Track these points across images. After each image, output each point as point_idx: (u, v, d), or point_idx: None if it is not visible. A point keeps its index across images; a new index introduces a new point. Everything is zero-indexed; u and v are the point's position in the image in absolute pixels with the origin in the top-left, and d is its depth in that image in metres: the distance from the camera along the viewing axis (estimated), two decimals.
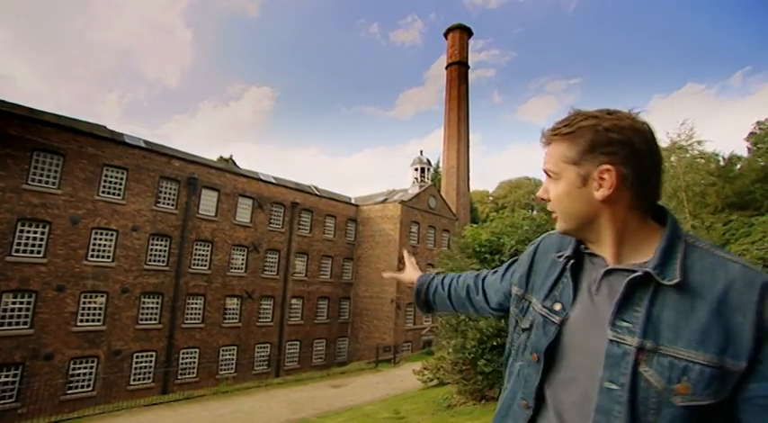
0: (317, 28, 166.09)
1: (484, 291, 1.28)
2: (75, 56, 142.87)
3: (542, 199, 0.94)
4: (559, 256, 0.98)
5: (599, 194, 0.83)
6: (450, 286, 1.41)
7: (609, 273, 0.85)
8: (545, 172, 0.92)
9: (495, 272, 1.28)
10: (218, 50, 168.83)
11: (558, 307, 0.91)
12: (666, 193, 26.42)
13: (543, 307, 0.94)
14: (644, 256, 0.82)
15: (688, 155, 27.14)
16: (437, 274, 1.50)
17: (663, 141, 28.21)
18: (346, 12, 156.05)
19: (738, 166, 32.69)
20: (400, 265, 26.30)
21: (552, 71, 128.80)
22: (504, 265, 1.23)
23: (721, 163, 30.61)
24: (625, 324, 0.78)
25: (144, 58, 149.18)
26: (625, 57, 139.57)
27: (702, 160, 27.69)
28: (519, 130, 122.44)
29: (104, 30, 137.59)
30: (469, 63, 41.66)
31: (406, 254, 1.69)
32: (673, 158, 27.58)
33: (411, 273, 1.56)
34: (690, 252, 0.80)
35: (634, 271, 0.80)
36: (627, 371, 0.75)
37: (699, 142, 27.02)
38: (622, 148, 0.81)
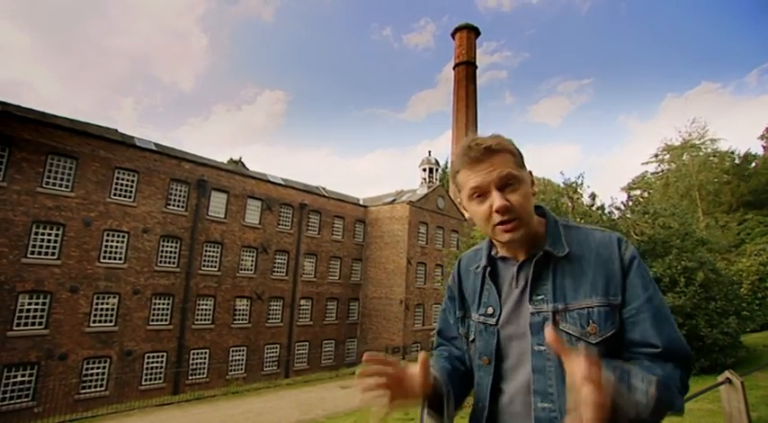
0: (331, 32, 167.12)
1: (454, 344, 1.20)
2: (92, 62, 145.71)
3: (506, 210, 0.93)
4: (476, 268, 1.11)
5: (534, 191, 1.02)
6: (460, 378, 1.10)
7: (521, 266, 1.01)
8: (501, 180, 0.94)
9: (444, 319, 1.23)
10: (233, 55, 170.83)
11: (490, 310, 1.04)
12: (679, 192, 26.02)
13: (480, 315, 1.06)
14: (540, 245, 1.00)
15: (701, 153, 26.70)
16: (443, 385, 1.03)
17: (675, 140, 27.81)
18: (360, 16, 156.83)
19: (753, 165, 32.04)
20: (409, 266, 26.29)
21: (564, 72, 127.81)
22: (444, 302, 1.26)
23: (736, 161, 30.01)
24: (540, 297, 0.96)
25: (160, 63, 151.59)
26: (638, 57, 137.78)
27: (716, 159, 27.22)
28: (530, 130, 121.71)
29: (121, 36, 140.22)
30: (481, 65, 41.57)
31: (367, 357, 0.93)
32: (685, 157, 27.15)
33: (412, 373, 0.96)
34: (566, 231, 1.01)
35: (537, 254, 0.98)
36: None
37: (712, 140, 26.59)
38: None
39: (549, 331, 0.75)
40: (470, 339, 1.09)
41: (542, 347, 0.92)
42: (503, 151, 0.97)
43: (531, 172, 1.03)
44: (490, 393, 0.99)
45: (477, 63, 41.78)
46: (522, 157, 1.02)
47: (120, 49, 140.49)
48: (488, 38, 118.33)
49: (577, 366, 0.69)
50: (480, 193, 0.96)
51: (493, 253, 1.08)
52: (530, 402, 0.92)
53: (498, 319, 1.02)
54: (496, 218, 0.94)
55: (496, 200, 0.94)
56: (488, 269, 1.07)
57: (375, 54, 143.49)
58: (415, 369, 0.90)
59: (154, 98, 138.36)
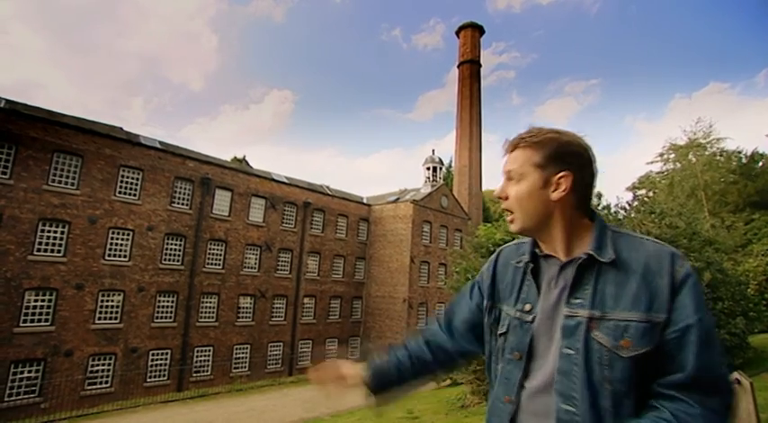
0: (341, 32, 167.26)
1: (453, 335, 1.25)
2: (103, 64, 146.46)
3: (500, 197, 1.07)
4: (518, 263, 1.13)
5: (555, 195, 0.99)
6: (411, 364, 1.24)
7: (563, 267, 1.01)
8: (506, 173, 1.05)
9: (458, 298, 1.31)
10: (243, 55, 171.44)
11: (527, 307, 1.05)
12: (684, 192, 25.82)
13: (516, 310, 1.07)
14: (585, 248, 0.99)
15: (707, 153, 26.49)
16: (379, 365, 1.27)
17: (680, 140, 27.60)
18: (370, 16, 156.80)
19: (760, 164, 31.76)
20: (412, 265, 26.27)
21: (572, 72, 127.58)
22: (468, 287, 1.30)
23: (743, 161, 29.76)
24: (578, 301, 0.95)
25: (170, 64, 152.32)
26: (646, 57, 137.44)
27: (722, 158, 26.99)
28: None
29: (133, 38, 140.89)
30: (490, 65, 41.58)
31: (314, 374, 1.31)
32: (690, 156, 26.94)
33: (347, 367, 1.27)
34: (616, 237, 1.00)
35: (581, 258, 0.97)
36: (581, 337, 0.92)
37: (718, 140, 26.37)
38: (576, 159, 1.00)
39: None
40: (500, 332, 1.10)
41: (571, 351, 0.93)
42: (525, 147, 1.03)
43: (565, 175, 0.98)
44: (518, 388, 1.02)
45: (485, 63, 41.65)
46: (557, 156, 0.99)
47: (131, 50, 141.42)
48: (497, 38, 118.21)
49: None
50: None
51: (536, 250, 1.09)
52: (550, 402, 0.94)
53: (535, 317, 1.03)
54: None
55: (497, 189, 1.07)
56: (531, 266, 1.08)
57: (384, 54, 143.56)
58: (352, 369, 1.25)
59: (163, 98, 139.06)
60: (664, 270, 0.91)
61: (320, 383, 1.27)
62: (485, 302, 1.18)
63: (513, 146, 1.05)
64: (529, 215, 1.02)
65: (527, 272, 1.09)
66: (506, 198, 1.05)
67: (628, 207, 12.18)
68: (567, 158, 0.99)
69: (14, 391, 14.05)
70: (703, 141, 26.46)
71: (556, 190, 0.99)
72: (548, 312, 1.01)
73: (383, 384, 1.25)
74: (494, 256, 1.24)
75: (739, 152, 29.33)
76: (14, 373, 14.11)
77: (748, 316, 10.01)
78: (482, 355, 1.22)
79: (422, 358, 1.25)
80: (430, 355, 1.25)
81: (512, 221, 1.05)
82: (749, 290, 11.57)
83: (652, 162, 29.30)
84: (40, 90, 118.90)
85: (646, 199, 14.96)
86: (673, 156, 28.06)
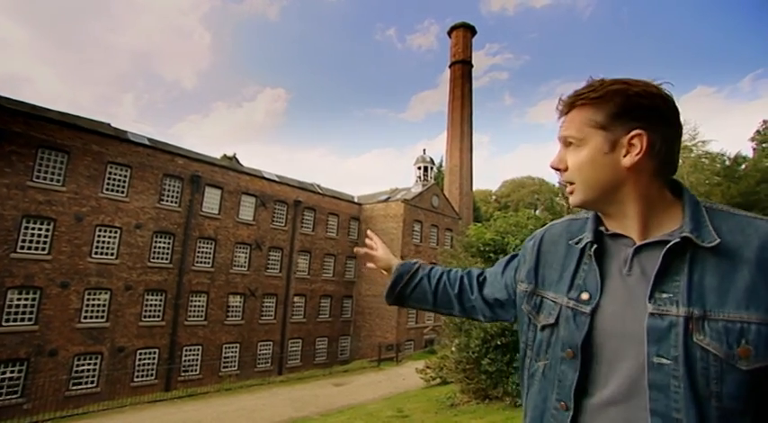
0: (336, 31, 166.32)
1: (481, 290, 1.16)
2: (94, 58, 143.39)
3: (557, 168, 0.90)
4: (576, 242, 0.92)
5: (627, 161, 0.80)
6: (439, 280, 1.24)
7: (639, 250, 0.82)
8: (563, 139, 0.88)
9: (493, 269, 1.19)
10: (236, 52, 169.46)
11: (585, 296, 0.86)
12: None
13: (569, 299, 0.88)
14: (669, 228, 0.81)
15: (692, 155, 27.01)
16: (418, 263, 1.32)
17: None
18: (365, 16, 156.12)
19: (744, 167, 32.49)
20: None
21: (563, 74, 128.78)
22: (504, 260, 1.16)
23: (727, 163, 30.42)
24: (666, 295, 0.76)
25: (162, 61, 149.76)
26: (636, 60, 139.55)
27: (707, 160, 27.54)
28: (528, 131, 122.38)
29: (124, 33, 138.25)
30: (483, 66, 41.82)
31: (370, 233, 1.49)
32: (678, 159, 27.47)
33: (387, 255, 1.39)
34: (713, 216, 0.80)
35: (667, 242, 0.77)
36: (678, 343, 0.72)
37: (703, 142, 26.88)
38: (652, 113, 0.80)
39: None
40: (546, 323, 0.92)
41: (665, 361, 0.73)
42: (584, 105, 0.84)
43: (636, 134, 0.79)
44: (575, 394, 0.83)
45: (478, 64, 41.97)
46: (626, 111, 0.80)
47: (122, 46, 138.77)
48: (491, 40, 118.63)
49: None
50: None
51: (601, 228, 0.90)
52: (631, 419, 0.75)
53: (595, 308, 0.83)
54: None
55: (553, 159, 0.90)
56: (595, 246, 0.88)
57: (378, 54, 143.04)
58: (382, 253, 1.41)
59: (154, 95, 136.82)
60: None
61: (361, 250, 1.42)
62: (524, 285, 1.00)
63: (569, 105, 0.87)
64: (592, 186, 0.85)
65: (587, 254, 0.89)
66: (566, 168, 0.88)
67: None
68: (640, 113, 0.80)
69: None
70: (689, 144, 26.95)
71: (627, 154, 0.80)
72: (618, 306, 0.81)
73: (403, 285, 1.27)
74: (540, 231, 1.05)
75: (723, 155, 29.97)
76: None
77: None
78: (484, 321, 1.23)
79: (447, 289, 1.23)
80: (457, 288, 1.21)
81: (571, 192, 0.88)
82: None
83: None
84: (27, 84, 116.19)
85: None
86: None
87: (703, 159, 27.33)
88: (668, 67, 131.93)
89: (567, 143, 0.87)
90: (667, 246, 0.77)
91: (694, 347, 0.71)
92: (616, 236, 0.87)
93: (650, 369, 0.73)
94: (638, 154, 0.79)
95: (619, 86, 0.81)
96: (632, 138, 0.79)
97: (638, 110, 0.80)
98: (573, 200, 0.88)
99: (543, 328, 0.92)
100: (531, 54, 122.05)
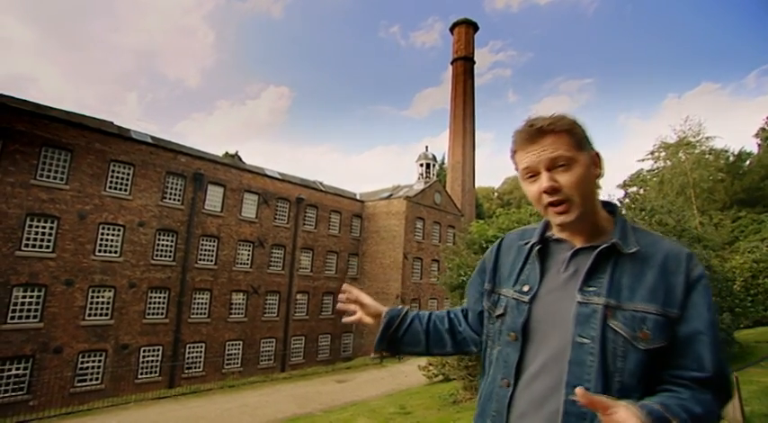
0: (340, 29, 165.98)
1: (467, 320, 1.27)
2: (98, 58, 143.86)
3: (551, 190, 0.96)
4: (525, 244, 1.11)
5: (598, 172, 1.00)
6: (429, 319, 1.27)
7: (576, 253, 1.00)
8: (549, 162, 0.96)
9: (469, 288, 1.31)
10: (239, 51, 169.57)
11: (526, 288, 1.04)
12: (674, 190, 26.17)
13: (514, 291, 1.06)
14: (603, 237, 1.00)
15: (696, 151, 26.85)
16: (406, 308, 1.32)
17: (670, 138, 27.94)
18: (369, 14, 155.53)
19: (748, 163, 32.32)
20: (405, 261, 26.35)
21: (567, 71, 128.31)
22: (471, 279, 1.29)
23: (731, 159, 30.24)
24: (592, 288, 0.94)
25: (165, 59, 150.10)
26: (641, 57, 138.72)
27: (711, 156, 27.37)
28: None
29: (128, 33, 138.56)
30: (487, 63, 41.74)
31: (346, 286, 1.34)
32: (680, 155, 27.29)
33: (373, 301, 1.29)
34: (635, 232, 1.00)
35: (598, 246, 0.97)
36: (596, 325, 0.90)
37: (707, 138, 26.72)
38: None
39: (580, 391, 0.73)
40: (497, 313, 1.08)
41: (585, 340, 0.91)
42: (556, 132, 0.96)
43: (597, 153, 1.01)
44: (515, 371, 0.99)
45: (481, 61, 42.02)
46: (585, 137, 0.99)
47: (126, 45, 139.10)
48: (495, 37, 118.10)
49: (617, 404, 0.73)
50: (532, 174, 0.99)
51: (548, 234, 1.08)
52: (555, 391, 0.91)
53: (533, 298, 1.01)
54: (546, 198, 0.97)
55: (544, 181, 0.96)
56: (538, 247, 1.07)
57: (382, 51, 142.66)
58: (368, 301, 1.27)
59: (158, 93, 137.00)
60: (681, 268, 0.93)
61: (345, 303, 1.28)
62: (485, 285, 1.17)
63: (544, 132, 0.96)
64: (588, 200, 0.98)
65: (532, 253, 1.08)
66: (553, 189, 0.96)
67: (620, 204, 12.33)
68: (588, 139, 1.00)
69: (2, 388, 13.86)
70: (693, 140, 26.79)
71: (597, 167, 1.00)
72: (552, 297, 0.99)
73: (394, 329, 1.24)
74: (497, 241, 1.24)
75: (726, 151, 29.80)
76: (2, 371, 13.92)
77: (734, 312, 10.21)
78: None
79: (438, 326, 1.26)
80: (447, 323, 1.27)
81: (565, 211, 0.96)
82: (735, 286, 11.77)
83: (643, 160, 29.61)
84: (31, 84, 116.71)
85: (637, 196, 15.15)
86: (663, 154, 28.40)
87: (707, 156, 27.16)
88: (672, 64, 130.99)
89: (553, 165, 0.96)
90: (598, 249, 0.96)
91: (608, 330, 0.90)
92: (559, 241, 1.05)
93: (573, 347, 0.91)
94: (601, 167, 1.01)
95: (571, 118, 0.99)
96: (595, 155, 1.00)
97: (587, 137, 1.00)
98: (569, 217, 0.97)
99: (497, 318, 1.09)
100: (535, 51, 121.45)
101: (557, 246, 1.05)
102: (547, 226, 1.09)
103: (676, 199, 20.61)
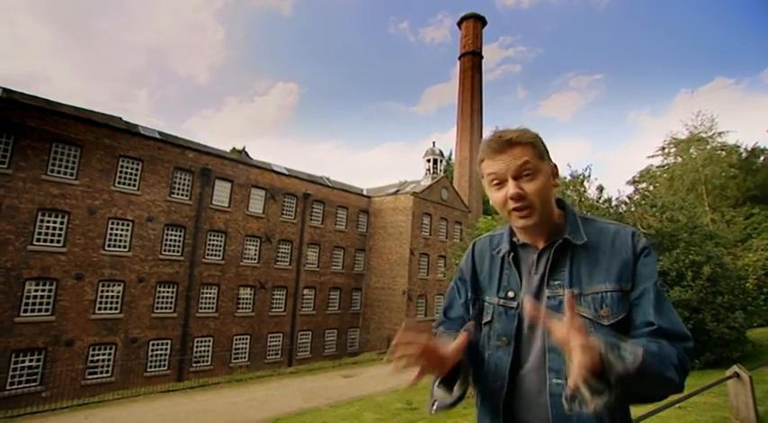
0: (349, 25, 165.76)
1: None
2: (109, 55, 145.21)
3: (518, 197, 1.03)
4: (497, 252, 1.18)
5: (556, 182, 1.10)
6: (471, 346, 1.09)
7: (541, 254, 1.09)
8: (517, 170, 1.03)
9: (451, 303, 1.27)
10: (249, 48, 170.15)
11: (511, 294, 1.11)
12: (685, 186, 25.77)
13: (499, 298, 1.13)
14: (559, 235, 1.08)
15: (708, 147, 26.38)
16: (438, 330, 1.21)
17: (681, 134, 27.48)
18: (378, 10, 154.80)
19: (761, 159, 31.70)
20: (412, 257, 26.31)
21: (577, 67, 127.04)
22: (453, 285, 1.29)
23: (743, 155, 29.68)
24: (556, 282, 1.04)
25: (175, 56, 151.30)
26: (652, 52, 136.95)
27: (723, 152, 26.88)
28: (540, 124, 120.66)
29: (139, 30, 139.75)
30: (496, 59, 41.36)
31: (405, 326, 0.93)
32: (692, 150, 26.84)
33: (444, 344, 0.98)
34: (584, 223, 1.10)
35: (557, 242, 1.06)
36: (563, 314, 0.94)
37: (720, 134, 26.23)
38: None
39: (527, 301, 0.84)
40: (485, 321, 1.14)
41: None
42: (523, 144, 1.05)
43: (555, 165, 1.11)
44: (509, 373, 1.04)
45: (491, 57, 41.89)
46: (546, 150, 1.09)
47: (137, 42, 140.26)
48: (505, 33, 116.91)
49: (560, 324, 0.82)
50: (498, 181, 1.06)
51: (514, 240, 1.15)
52: (543, 379, 0.99)
53: (520, 303, 1.08)
54: (511, 204, 1.04)
55: (511, 188, 1.03)
56: (512, 254, 1.14)
57: (390, 47, 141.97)
58: (449, 345, 0.97)
59: (168, 90, 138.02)
60: (628, 245, 1.04)
61: (405, 363, 0.88)
62: (469, 295, 1.21)
63: (512, 143, 1.05)
64: (546, 206, 1.06)
65: (507, 261, 1.15)
66: (519, 196, 1.03)
67: (628, 201, 12.16)
68: (548, 151, 1.10)
69: (16, 379, 14.14)
70: (704, 135, 26.32)
71: (555, 177, 1.10)
72: (532, 297, 1.07)
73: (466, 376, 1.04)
74: (469, 250, 1.30)
75: (739, 146, 29.21)
76: (16, 363, 14.19)
77: (747, 310, 10.05)
78: None
79: (471, 347, 1.10)
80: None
81: (527, 216, 1.04)
82: (748, 284, 11.60)
83: (653, 156, 29.17)
84: (44, 81, 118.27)
85: (647, 193, 14.94)
86: (674, 150, 27.94)
87: (719, 151, 26.68)
88: (685, 59, 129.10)
89: (519, 174, 1.04)
90: (554, 246, 1.06)
91: (576, 316, 0.89)
92: (525, 245, 1.13)
93: (548, 337, 0.97)
94: (558, 177, 1.12)
95: (532, 132, 1.08)
96: (554, 167, 1.11)
97: (547, 150, 1.10)
98: (530, 221, 1.05)
99: (485, 325, 1.14)
100: (545, 47, 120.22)
101: (524, 250, 1.13)
102: (511, 232, 1.17)
103: (687, 195, 20.29)
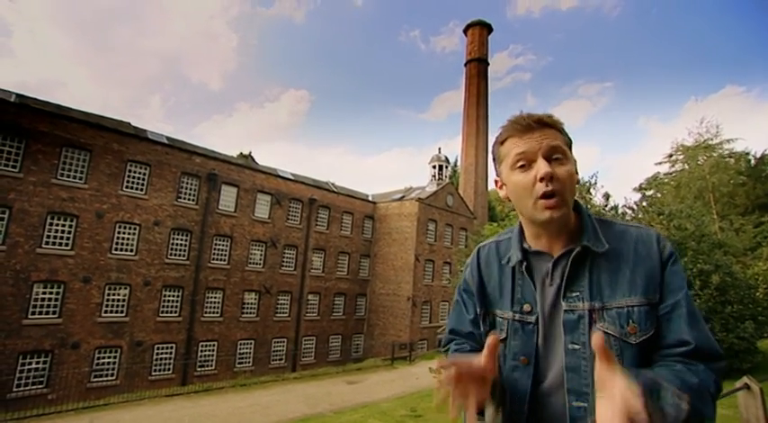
0: (361, 33, 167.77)
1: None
2: (124, 62, 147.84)
3: (549, 177, 0.89)
4: (506, 262, 1.04)
5: (577, 179, 0.97)
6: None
7: (556, 262, 0.96)
8: (550, 149, 0.92)
9: (458, 318, 1.15)
10: (262, 55, 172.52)
11: (527, 308, 0.99)
12: (692, 193, 25.56)
13: (514, 313, 1.01)
14: (576, 240, 0.96)
15: (715, 154, 26.17)
16: (452, 350, 1.12)
17: (687, 141, 27.31)
18: (390, 18, 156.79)
19: None
20: (417, 263, 26.25)
21: (587, 74, 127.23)
22: (458, 299, 1.16)
23: (752, 163, 29.40)
24: (574, 294, 0.93)
25: (189, 63, 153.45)
26: (663, 60, 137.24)
27: (732, 160, 26.65)
28: None
29: (155, 37, 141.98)
30: (506, 67, 41.61)
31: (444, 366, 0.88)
32: (699, 158, 26.63)
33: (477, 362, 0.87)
34: (602, 226, 0.98)
35: (575, 249, 0.94)
36: (585, 331, 0.90)
37: (728, 141, 26.03)
38: None
39: (596, 337, 0.67)
40: (502, 338, 1.00)
41: (576, 346, 0.90)
42: (554, 127, 0.95)
43: (576, 161, 0.99)
44: (530, 395, 0.94)
45: (501, 65, 41.83)
46: (571, 142, 0.98)
47: (151, 49, 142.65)
48: (515, 41, 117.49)
49: (611, 375, 0.66)
50: (525, 161, 0.92)
51: (525, 246, 1.01)
52: (563, 401, 0.89)
53: (538, 318, 0.96)
54: (540, 189, 0.89)
55: (542, 167, 0.89)
56: (525, 264, 0.99)
57: (402, 55, 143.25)
58: (481, 361, 0.83)
59: (181, 97, 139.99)
60: (653, 252, 0.93)
61: (454, 396, 0.85)
62: (478, 309, 1.08)
63: (544, 123, 0.93)
64: (571, 199, 0.95)
65: (520, 271, 1.01)
66: (551, 176, 0.89)
67: (635, 207, 12.09)
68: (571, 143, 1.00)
69: (23, 381, 14.23)
70: (712, 143, 26.13)
71: (576, 174, 0.97)
72: (548, 311, 0.96)
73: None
74: (473, 258, 1.14)
75: (747, 153, 28.94)
76: (23, 365, 14.30)
77: (757, 320, 9.91)
78: None
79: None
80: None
81: (555, 206, 0.90)
82: (758, 293, 11.43)
83: (661, 163, 28.98)
84: (61, 88, 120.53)
85: (654, 200, 14.84)
86: (681, 157, 27.75)
87: (727, 159, 26.45)
88: (695, 67, 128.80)
89: (550, 155, 0.92)
90: (572, 255, 0.94)
91: (597, 332, 0.79)
92: (538, 253, 1.00)
93: (566, 354, 0.91)
94: (577, 175, 0.97)
95: (557, 118, 0.97)
96: (575, 163, 0.97)
97: (571, 142, 0.99)
98: (557, 212, 0.91)
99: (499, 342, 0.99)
100: (555, 55, 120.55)
101: (537, 258, 1.00)
102: (522, 237, 1.02)
103: (694, 203, 20.13)
